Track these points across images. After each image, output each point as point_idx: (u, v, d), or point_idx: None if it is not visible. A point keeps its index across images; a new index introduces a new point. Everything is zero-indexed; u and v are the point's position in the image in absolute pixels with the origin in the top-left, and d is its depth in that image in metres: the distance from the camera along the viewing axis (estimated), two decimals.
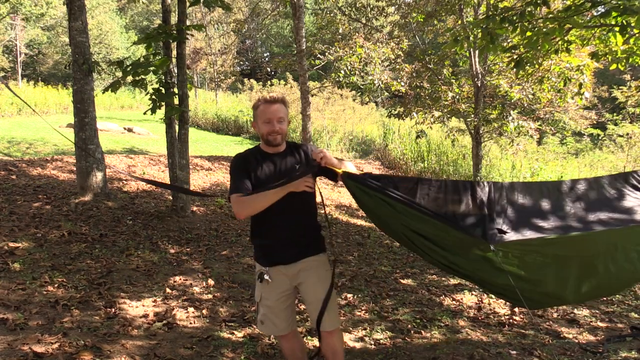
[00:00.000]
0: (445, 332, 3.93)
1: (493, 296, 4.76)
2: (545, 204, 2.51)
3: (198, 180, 9.23)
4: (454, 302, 4.68)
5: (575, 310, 4.56)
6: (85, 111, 6.40)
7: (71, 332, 3.33)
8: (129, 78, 6.22)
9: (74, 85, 6.47)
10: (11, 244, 4.84)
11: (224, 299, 4.30)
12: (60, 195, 6.69)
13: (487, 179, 11.10)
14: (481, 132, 9.45)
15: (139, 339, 3.39)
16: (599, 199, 2.62)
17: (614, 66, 6.05)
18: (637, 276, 2.85)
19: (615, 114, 16.66)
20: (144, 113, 6.35)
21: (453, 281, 5.26)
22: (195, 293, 4.38)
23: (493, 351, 3.58)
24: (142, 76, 6.21)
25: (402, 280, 5.26)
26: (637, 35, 5.18)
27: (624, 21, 4.46)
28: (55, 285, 4.09)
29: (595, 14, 5.41)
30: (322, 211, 2.64)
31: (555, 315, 4.44)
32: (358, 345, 3.64)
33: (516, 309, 4.48)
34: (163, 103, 6.31)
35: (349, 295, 4.64)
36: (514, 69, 6.87)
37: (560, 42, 5.69)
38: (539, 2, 4.54)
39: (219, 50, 25.92)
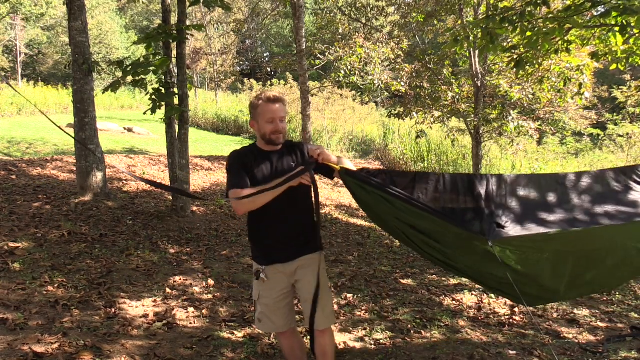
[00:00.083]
0: (445, 332, 3.93)
1: (493, 296, 4.76)
2: (546, 197, 2.47)
3: (198, 180, 9.23)
4: (454, 302, 4.68)
5: (575, 310, 4.56)
6: (85, 111, 6.40)
7: (71, 332, 3.33)
8: (129, 78, 6.22)
9: (74, 85, 6.47)
10: (11, 244, 4.84)
11: (224, 299, 4.30)
12: (60, 195, 6.69)
13: None
14: (481, 132, 9.44)
15: (139, 339, 3.39)
16: (602, 192, 2.54)
17: (614, 66, 6.05)
18: (634, 273, 2.85)
19: (615, 114, 16.66)
20: (144, 113, 6.35)
21: (453, 281, 5.26)
22: (195, 293, 4.38)
23: (493, 351, 3.58)
24: (142, 76, 6.21)
25: (402, 280, 5.26)
26: (637, 35, 5.18)
27: (624, 21, 4.46)
28: (55, 285, 4.09)
29: (595, 14, 5.40)
30: (318, 208, 2.63)
31: (555, 315, 4.44)
32: (358, 345, 3.64)
33: (516, 309, 4.48)
34: (163, 103, 6.32)
35: (349, 295, 4.64)
36: (514, 69, 6.87)
37: (560, 42, 5.68)
38: (539, 2, 4.53)
39: (219, 50, 25.92)
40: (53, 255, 4.78)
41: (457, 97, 9.38)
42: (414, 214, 2.33)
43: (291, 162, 2.53)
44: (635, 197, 2.59)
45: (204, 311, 3.99)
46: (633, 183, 2.64)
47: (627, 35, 4.87)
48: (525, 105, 9.02)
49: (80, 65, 6.35)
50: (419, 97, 9.77)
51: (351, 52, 10.72)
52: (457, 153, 14.18)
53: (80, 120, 6.40)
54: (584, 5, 4.52)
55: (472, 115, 9.08)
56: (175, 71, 6.69)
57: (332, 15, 12.60)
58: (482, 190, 2.36)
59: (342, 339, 3.71)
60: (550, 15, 4.88)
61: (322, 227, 7.33)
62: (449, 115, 10.05)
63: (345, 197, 9.58)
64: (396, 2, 11.27)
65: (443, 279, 5.37)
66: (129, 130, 15.64)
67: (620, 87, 15.49)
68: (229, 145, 15.92)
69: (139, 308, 3.92)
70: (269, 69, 32.87)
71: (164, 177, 8.82)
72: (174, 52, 6.72)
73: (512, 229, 2.27)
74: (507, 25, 4.61)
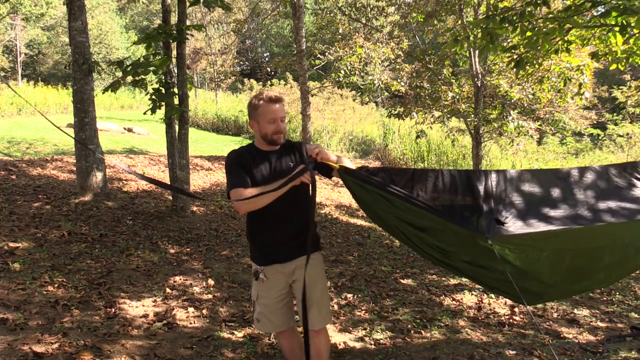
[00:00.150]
0: (445, 332, 3.93)
1: (493, 296, 4.76)
2: (548, 192, 2.44)
3: (198, 180, 9.23)
4: (454, 302, 4.68)
5: (575, 310, 4.56)
6: (85, 111, 6.40)
7: (71, 332, 3.33)
8: (129, 78, 6.22)
9: (74, 85, 6.47)
10: (11, 244, 4.84)
11: (224, 299, 4.30)
12: (60, 195, 6.69)
13: None
14: (481, 132, 9.44)
15: (139, 339, 3.39)
16: (605, 188, 2.51)
17: (614, 66, 6.05)
18: (629, 271, 2.85)
19: (615, 114, 16.67)
20: (144, 113, 6.35)
21: (453, 281, 5.26)
22: (195, 293, 4.38)
23: (493, 351, 3.58)
24: (142, 76, 6.21)
25: (402, 280, 5.26)
26: (637, 35, 5.18)
27: (624, 21, 4.46)
28: (55, 285, 4.09)
29: (595, 14, 5.40)
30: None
31: (555, 315, 4.44)
32: (358, 345, 3.64)
33: (516, 309, 4.48)
34: (163, 103, 6.32)
35: (349, 295, 4.64)
36: (514, 69, 6.87)
37: (560, 42, 5.68)
38: (539, 2, 4.53)
39: (219, 50, 25.92)
40: (53, 255, 4.78)
41: (457, 97, 9.38)
42: (413, 212, 2.33)
43: (290, 162, 2.53)
44: (638, 193, 2.57)
45: (204, 311, 3.99)
46: (635, 180, 2.62)
47: (627, 35, 4.87)
48: (525, 105, 9.02)
49: (80, 65, 6.35)
50: (419, 97, 9.77)
51: (351, 52, 10.72)
52: (457, 153, 14.19)
53: (80, 120, 6.40)
54: (584, 5, 4.52)
55: (472, 115, 9.08)
56: (175, 71, 6.69)
57: (332, 15, 12.60)
58: (481, 187, 2.35)
59: (342, 339, 3.71)
60: (550, 15, 4.88)
61: (322, 227, 7.33)
62: (449, 115, 10.04)
63: (345, 197, 9.58)
64: (396, 2, 11.26)
65: (443, 279, 5.37)
66: (129, 130, 15.64)
67: (620, 87, 15.50)
68: (229, 145, 15.92)
69: (139, 308, 3.92)
70: (269, 69, 32.87)
71: (164, 177, 8.82)
72: (174, 52, 6.72)
73: (513, 225, 2.25)
74: (507, 25, 4.61)
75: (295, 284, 2.57)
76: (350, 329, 3.91)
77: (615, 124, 16.11)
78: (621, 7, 4.14)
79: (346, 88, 13.08)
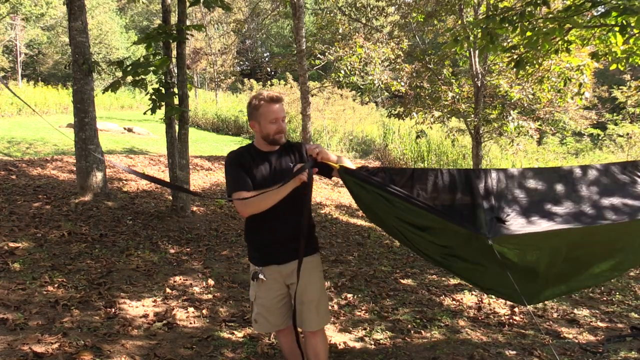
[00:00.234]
0: (445, 332, 3.93)
1: (493, 296, 4.76)
2: (550, 189, 2.43)
3: (198, 180, 9.23)
4: (454, 302, 4.68)
5: (575, 310, 4.56)
6: (85, 111, 6.40)
7: (71, 332, 3.33)
8: (129, 78, 6.22)
9: (74, 85, 6.47)
10: (11, 244, 4.84)
11: (224, 299, 4.30)
12: (60, 195, 6.69)
13: None
14: (481, 132, 9.44)
15: (139, 339, 3.39)
16: (608, 184, 2.49)
17: (614, 66, 6.05)
18: (622, 270, 2.85)
19: (615, 114, 16.67)
20: (144, 113, 6.35)
21: (453, 281, 5.25)
22: (195, 293, 4.38)
23: (493, 351, 3.58)
24: (142, 76, 6.21)
25: (402, 280, 5.26)
26: (637, 35, 5.18)
27: (624, 21, 4.46)
28: (55, 285, 4.09)
29: (595, 14, 5.40)
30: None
31: (555, 315, 4.44)
32: (358, 345, 3.64)
33: (516, 309, 4.48)
34: (163, 103, 6.32)
35: (349, 295, 4.64)
36: (514, 69, 6.87)
37: (560, 42, 5.69)
38: (539, 2, 4.54)
39: (219, 50, 25.93)
40: (53, 255, 4.78)
41: (457, 97, 9.38)
42: (413, 212, 2.33)
43: (289, 163, 2.52)
44: None
45: (204, 311, 3.99)
46: (637, 177, 2.61)
47: (627, 35, 4.87)
48: (525, 105, 9.02)
49: (80, 65, 6.35)
50: (419, 97, 9.77)
51: (351, 52, 10.73)
52: (457, 153, 14.20)
53: (80, 120, 6.40)
54: (584, 5, 4.52)
55: (472, 115, 9.08)
56: (175, 71, 6.69)
57: (332, 15, 12.61)
58: (481, 185, 2.34)
59: (342, 339, 3.71)
60: (550, 15, 4.88)
61: (322, 227, 7.33)
62: (449, 115, 10.04)
63: (345, 197, 9.58)
64: (396, 2, 11.27)
65: (443, 279, 5.37)
66: (129, 130, 15.65)
67: (620, 87, 15.50)
68: (229, 145, 15.93)
69: (139, 308, 3.92)
70: (269, 69, 32.89)
71: (164, 177, 8.81)
72: (174, 52, 6.72)
73: (514, 223, 2.23)
74: (507, 25, 4.61)
75: (293, 285, 2.57)
76: (350, 329, 3.91)
77: (615, 124, 16.12)
78: (621, 7, 4.14)
79: (346, 88, 13.08)
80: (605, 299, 4.96)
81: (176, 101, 6.42)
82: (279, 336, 2.77)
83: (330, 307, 4.05)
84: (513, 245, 2.31)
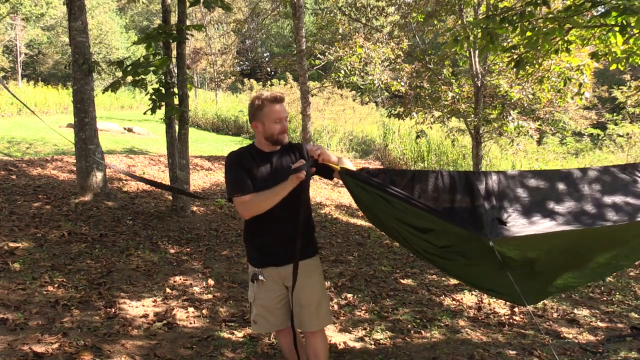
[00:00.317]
0: (445, 332, 3.93)
1: (493, 296, 4.76)
2: (551, 189, 2.43)
3: (198, 180, 9.23)
4: (454, 302, 4.68)
5: (575, 310, 4.56)
6: (85, 111, 6.40)
7: (71, 332, 3.33)
8: (129, 78, 6.22)
9: (74, 85, 6.48)
10: (11, 244, 4.84)
11: (224, 299, 4.30)
12: (60, 195, 6.69)
13: None
14: (481, 132, 9.44)
15: (139, 339, 3.39)
16: (610, 183, 2.50)
17: (614, 66, 6.05)
18: (618, 269, 2.86)
19: (615, 114, 16.68)
20: (144, 113, 6.35)
21: (453, 281, 5.25)
22: (195, 293, 4.38)
23: (493, 351, 3.58)
24: (142, 76, 6.21)
25: (402, 280, 5.26)
26: (637, 35, 5.18)
27: (624, 21, 4.46)
28: (55, 285, 4.09)
29: (595, 14, 5.40)
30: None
31: (555, 315, 4.44)
32: (358, 345, 3.64)
33: (516, 309, 4.48)
34: (163, 103, 6.32)
35: (349, 295, 4.64)
36: (514, 69, 6.87)
37: (560, 42, 5.69)
38: (539, 2, 4.54)
39: (219, 50, 25.93)
40: (53, 255, 4.78)
41: (457, 97, 9.38)
42: (413, 214, 2.33)
43: (290, 163, 2.51)
44: None
45: (204, 311, 3.99)
46: (637, 178, 2.61)
47: (627, 35, 4.87)
48: (525, 105, 9.03)
49: (80, 65, 6.35)
50: (419, 97, 9.78)
51: (351, 52, 10.73)
52: (457, 153, 14.20)
53: (80, 120, 6.40)
54: (584, 5, 4.52)
55: (472, 115, 9.09)
56: (175, 71, 6.69)
57: (332, 15, 12.60)
58: (482, 186, 2.34)
59: (342, 339, 3.71)
60: (550, 15, 4.88)
61: (322, 227, 7.33)
62: (449, 115, 10.05)
63: (345, 197, 9.58)
64: (396, 2, 11.27)
65: (443, 279, 5.37)
66: (129, 130, 15.65)
67: (620, 87, 15.51)
68: (229, 145, 15.93)
69: (139, 308, 3.92)
70: (269, 69, 32.90)
71: (164, 177, 8.82)
72: (174, 52, 6.72)
73: (516, 224, 2.23)
74: (507, 25, 4.61)
75: (291, 287, 2.56)
76: (350, 329, 3.91)
77: (615, 124, 16.12)
78: (621, 7, 4.14)
79: (346, 88, 13.09)
80: (605, 299, 4.96)
81: (176, 101, 6.42)
82: (279, 336, 2.77)
83: (330, 307, 4.05)
84: (514, 246, 2.31)
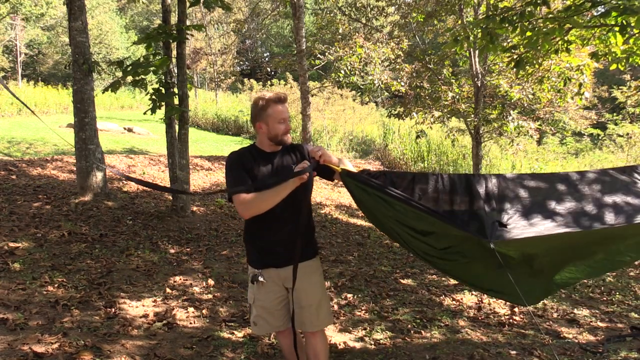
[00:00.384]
0: (445, 332, 3.93)
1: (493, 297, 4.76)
2: (550, 189, 2.43)
3: (198, 180, 9.23)
4: (454, 302, 4.68)
5: (575, 310, 4.56)
6: (85, 111, 6.40)
7: (71, 332, 3.33)
8: (129, 78, 6.22)
9: (74, 85, 6.48)
10: (11, 244, 4.84)
11: (224, 299, 4.30)
12: (60, 195, 6.69)
13: None
14: (481, 132, 9.44)
15: (139, 339, 3.39)
16: (610, 183, 2.51)
17: (614, 66, 6.05)
18: (615, 268, 2.87)
19: (615, 114, 16.68)
20: (144, 113, 6.35)
21: (453, 281, 5.25)
22: (195, 293, 4.38)
23: (493, 351, 3.58)
24: (142, 76, 6.21)
25: (402, 280, 5.26)
26: (637, 35, 5.18)
27: (624, 21, 4.46)
28: (55, 285, 4.09)
29: (595, 14, 5.41)
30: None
31: (555, 315, 4.44)
32: (358, 345, 3.64)
33: (516, 309, 4.48)
34: (163, 103, 6.32)
35: (349, 295, 4.64)
36: (514, 69, 6.87)
37: (560, 42, 5.68)
38: (539, 2, 4.54)
39: (219, 50, 25.92)
40: (53, 255, 4.78)
41: (457, 97, 9.38)
42: (413, 216, 2.33)
43: (291, 164, 2.51)
44: None
45: (204, 311, 3.99)
46: (636, 179, 2.62)
47: (627, 35, 4.88)
48: (525, 105, 9.03)
49: (80, 65, 6.35)
50: (419, 97, 9.78)
51: (351, 52, 10.73)
52: (457, 153, 14.19)
53: (80, 120, 6.41)
54: (584, 5, 4.52)
55: (472, 115, 9.08)
56: (175, 71, 6.69)
57: (332, 15, 12.61)
58: (482, 189, 2.34)
59: (342, 339, 3.71)
60: (550, 15, 4.88)
61: (322, 227, 7.33)
62: (449, 115, 10.05)
63: (345, 197, 9.58)
64: (396, 2, 11.27)
65: (443, 279, 5.37)
66: (129, 130, 15.65)
67: (620, 87, 15.51)
68: (229, 145, 15.93)
69: (139, 308, 3.92)
70: (269, 69, 32.90)
71: (164, 177, 8.82)
72: (174, 52, 6.72)
73: (516, 226, 2.24)
74: (507, 25, 4.61)
75: (291, 289, 2.56)
76: (350, 329, 3.91)
77: (615, 124, 16.13)
78: (621, 7, 4.14)
79: (346, 88, 13.09)
80: (605, 299, 4.96)
81: (176, 101, 6.42)
82: (279, 337, 2.77)
83: (330, 307, 4.05)
84: (513, 248, 2.31)
